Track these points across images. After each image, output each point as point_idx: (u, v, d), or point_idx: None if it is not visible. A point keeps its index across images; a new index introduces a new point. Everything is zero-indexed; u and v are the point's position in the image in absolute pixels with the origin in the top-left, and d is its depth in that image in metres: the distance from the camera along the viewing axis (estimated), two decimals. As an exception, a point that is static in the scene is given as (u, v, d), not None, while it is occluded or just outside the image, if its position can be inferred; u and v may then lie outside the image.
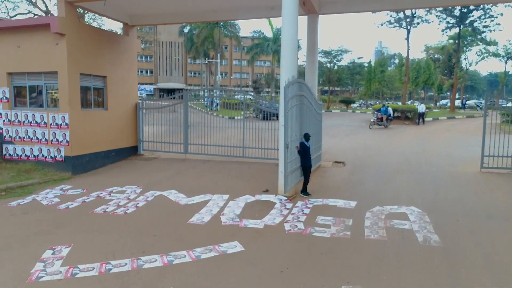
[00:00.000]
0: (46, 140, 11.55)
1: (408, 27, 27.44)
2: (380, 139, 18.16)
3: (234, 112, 18.83)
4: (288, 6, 8.61)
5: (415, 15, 26.93)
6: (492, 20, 28.51)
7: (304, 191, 8.91)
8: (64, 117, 11.19)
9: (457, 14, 28.83)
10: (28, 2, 24.51)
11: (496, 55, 40.98)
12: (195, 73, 77.68)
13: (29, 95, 11.78)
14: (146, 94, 76.10)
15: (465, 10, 28.47)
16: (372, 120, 22.98)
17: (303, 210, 7.81)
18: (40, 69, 11.32)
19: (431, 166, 11.72)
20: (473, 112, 32.55)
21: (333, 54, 66.06)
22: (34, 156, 11.77)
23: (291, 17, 8.67)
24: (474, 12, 28.46)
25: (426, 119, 27.47)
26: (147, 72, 74.19)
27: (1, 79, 11.74)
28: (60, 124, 11.27)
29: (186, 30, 59.79)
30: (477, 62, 56.42)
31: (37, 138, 11.69)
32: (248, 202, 8.46)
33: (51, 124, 11.41)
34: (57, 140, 11.38)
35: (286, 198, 8.57)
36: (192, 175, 11.31)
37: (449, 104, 41.15)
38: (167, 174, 11.31)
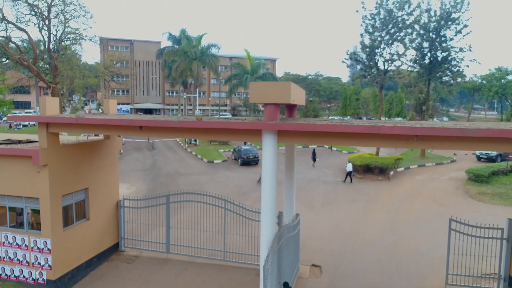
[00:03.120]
0: (27, 262, 11.58)
1: (381, 84, 28.67)
2: (353, 215, 18.90)
3: (213, 153, 18.93)
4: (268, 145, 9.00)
5: (387, 72, 28.15)
6: (459, 72, 30.17)
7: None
8: (46, 242, 11.27)
9: (427, 65, 30.33)
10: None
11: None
12: (172, 92, 77.21)
13: (9, 215, 11.77)
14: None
15: (435, 61, 30.02)
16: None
17: None
18: (21, 194, 11.36)
19: (401, 277, 12.51)
20: (441, 157, 34.15)
21: (309, 81, 67.73)
22: (15, 276, 11.76)
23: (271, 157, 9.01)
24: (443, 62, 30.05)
25: (398, 169, 28.79)
26: (123, 91, 73.13)
27: (-20, 199, 11.68)
28: (42, 249, 11.33)
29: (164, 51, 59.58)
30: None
31: (18, 260, 11.69)
32: None
33: (32, 247, 11.45)
34: (39, 263, 11.43)
35: None
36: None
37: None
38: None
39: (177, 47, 62.50)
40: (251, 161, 31.58)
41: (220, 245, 13.68)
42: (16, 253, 11.70)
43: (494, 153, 31.19)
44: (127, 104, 75.03)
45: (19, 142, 12.25)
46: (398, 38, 27.87)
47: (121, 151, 37.04)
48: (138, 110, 77.21)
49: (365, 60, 28.26)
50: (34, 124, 60.70)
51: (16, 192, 11.40)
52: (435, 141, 7.88)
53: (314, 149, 34.49)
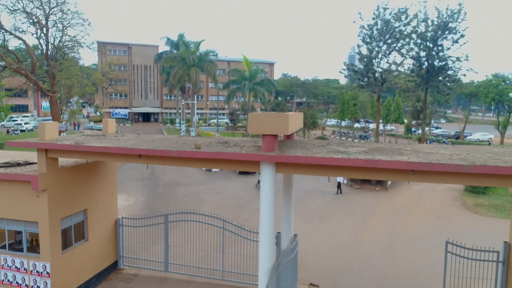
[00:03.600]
0: (26, 285, 11.62)
1: (379, 93, 28.83)
2: (351, 229, 18.99)
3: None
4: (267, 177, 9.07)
5: (385, 82, 28.29)
6: (456, 82, 30.35)
7: None
8: (45, 266, 11.31)
9: (424, 74, 30.51)
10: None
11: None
12: (170, 96, 77.15)
13: (8, 238, 11.79)
14: (121, 118, 75.10)
15: (432, 70, 30.19)
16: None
17: None
18: (20, 218, 11.39)
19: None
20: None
21: (307, 86, 67.91)
22: (14, 299, 11.79)
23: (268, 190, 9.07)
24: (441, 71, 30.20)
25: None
26: (121, 95, 73.02)
27: (-21, 222, 11.71)
28: (41, 272, 11.37)
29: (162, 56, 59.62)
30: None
31: (17, 283, 11.73)
32: None
33: (31, 271, 11.49)
34: (38, 287, 11.47)
35: None
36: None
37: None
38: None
39: (175, 51, 62.69)
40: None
41: (218, 264, 13.74)
42: (15, 276, 11.73)
43: None
44: (125, 108, 75.00)
45: (18, 164, 12.27)
46: (396, 48, 28.00)
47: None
48: (135, 114, 77.25)
49: (362, 71, 28.40)
50: (32, 129, 60.61)
51: (15, 215, 11.43)
52: (432, 175, 7.97)
53: None
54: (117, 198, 15.08)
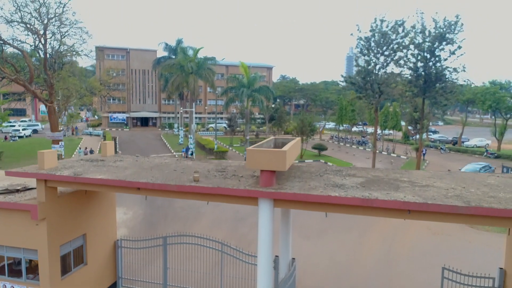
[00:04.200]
0: (25, 312, 11.66)
1: (376, 106, 28.98)
2: (349, 246, 19.08)
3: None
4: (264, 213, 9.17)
5: (382, 93, 28.42)
6: (452, 93, 30.53)
7: None
8: (44, 293, 11.36)
9: (421, 84, 30.68)
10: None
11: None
12: (168, 101, 77.07)
13: (7, 264, 11.84)
14: (119, 123, 75.07)
15: (429, 81, 30.36)
16: None
17: None
18: (20, 245, 11.44)
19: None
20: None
21: (305, 91, 68.11)
22: (13, 325, 11.83)
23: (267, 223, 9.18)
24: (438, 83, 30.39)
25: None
26: (119, 100, 72.92)
27: (-22, 249, 11.76)
28: (40, 300, 11.41)
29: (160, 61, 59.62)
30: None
31: (16, 309, 11.77)
32: None
33: (30, 298, 11.53)
34: (37, 314, 11.51)
35: None
36: None
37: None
38: None
39: (174, 57, 62.69)
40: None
41: (217, 287, 13.82)
42: (14, 303, 11.77)
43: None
44: (123, 112, 74.95)
45: (17, 191, 12.32)
46: (394, 59, 28.11)
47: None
48: (134, 119, 77.22)
49: (360, 83, 28.54)
50: (30, 135, 60.51)
51: (14, 243, 11.48)
52: (427, 214, 8.08)
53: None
54: (116, 218, 15.16)
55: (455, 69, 30.20)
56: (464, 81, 29.92)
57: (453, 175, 11.32)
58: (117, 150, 47.46)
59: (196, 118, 71.54)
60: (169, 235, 14.45)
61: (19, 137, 56.33)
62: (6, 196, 11.74)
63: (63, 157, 38.08)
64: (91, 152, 37.99)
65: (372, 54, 28.08)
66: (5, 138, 54.16)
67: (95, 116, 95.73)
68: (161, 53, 68.45)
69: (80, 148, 39.13)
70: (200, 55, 48.89)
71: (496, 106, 44.33)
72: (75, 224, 12.37)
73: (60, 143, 37.25)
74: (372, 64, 27.79)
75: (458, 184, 9.79)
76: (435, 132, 77.99)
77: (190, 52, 53.19)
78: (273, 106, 54.04)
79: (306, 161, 42.52)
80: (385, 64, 27.67)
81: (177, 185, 9.37)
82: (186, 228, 20.22)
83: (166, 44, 63.36)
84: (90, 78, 56.08)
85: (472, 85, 44.00)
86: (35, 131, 63.27)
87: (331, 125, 78.83)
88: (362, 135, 70.44)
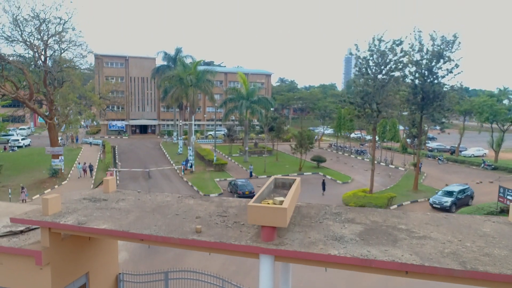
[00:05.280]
0: None
1: (375, 125, 29.25)
2: (347, 276, 19.22)
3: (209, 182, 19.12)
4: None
5: (380, 112, 28.68)
6: (450, 110, 30.84)
7: None
8: (48, 336, 11.51)
9: (419, 102, 30.98)
10: None
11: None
12: (168, 108, 77.18)
13: (11, 306, 11.99)
14: (118, 131, 75.14)
15: (426, 98, 30.65)
16: None
17: None
18: (24, 288, 11.62)
19: None
20: (434, 190, 34.62)
21: (304, 100, 68.45)
22: None
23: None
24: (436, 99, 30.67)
25: (391, 207, 29.28)
26: (118, 107, 72.99)
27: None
28: None
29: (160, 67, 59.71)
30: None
31: None
32: None
33: None
34: None
35: None
36: None
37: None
38: None
39: (173, 66, 62.87)
40: (247, 196, 31.92)
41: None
42: None
43: (448, 201, 27.91)
44: (122, 120, 75.05)
45: (21, 232, 12.47)
46: (392, 78, 28.35)
47: (118, 182, 37.26)
48: (133, 126, 77.32)
49: (359, 103, 28.80)
50: (29, 144, 60.51)
51: (18, 286, 11.64)
52: (424, 275, 8.30)
53: (323, 180, 35.66)
54: (118, 253, 15.33)
55: (452, 87, 30.53)
56: (461, 99, 30.17)
57: (449, 220, 11.53)
58: (117, 161, 47.64)
59: (195, 125, 71.79)
60: (171, 270, 14.66)
61: (18, 147, 56.38)
62: (10, 239, 11.91)
63: (62, 171, 38.26)
64: (90, 167, 38.06)
65: (370, 73, 28.33)
66: (4, 148, 54.21)
67: (94, 123, 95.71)
68: (160, 60, 68.77)
69: (79, 164, 39.18)
70: (198, 58, 49.23)
71: (494, 118, 44.67)
72: (79, 264, 12.54)
73: (60, 157, 37.41)
74: (371, 83, 28.05)
75: (454, 235, 10.01)
76: (432, 138, 78.27)
77: (189, 61, 53.42)
78: (271, 116, 54.14)
79: (305, 173, 42.79)
80: (383, 84, 27.90)
81: (180, 238, 9.57)
82: (187, 253, 20.39)
83: (165, 53, 63.60)
84: (89, 80, 55.98)
85: (470, 101, 44.63)
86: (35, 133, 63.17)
87: (329, 130, 79.00)
88: (360, 142, 70.74)
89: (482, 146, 59.49)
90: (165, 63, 64.50)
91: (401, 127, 56.95)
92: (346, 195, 29.45)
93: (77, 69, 34.39)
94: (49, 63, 33.07)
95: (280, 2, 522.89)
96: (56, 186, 34.66)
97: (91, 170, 37.94)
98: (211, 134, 75.53)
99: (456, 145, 56.86)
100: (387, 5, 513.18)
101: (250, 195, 32.03)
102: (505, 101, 56.38)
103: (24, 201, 28.76)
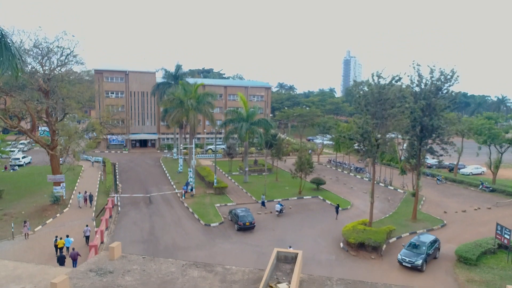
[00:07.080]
0: None
1: (374, 159, 29.64)
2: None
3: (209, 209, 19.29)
4: None
5: (379, 147, 29.07)
6: (448, 143, 31.25)
7: None
8: None
9: (418, 134, 31.35)
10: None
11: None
12: (169, 126, 77.39)
13: None
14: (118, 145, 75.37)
15: (425, 131, 31.02)
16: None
17: None
18: None
19: None
20: (432, 219, 34.93)
21: (303, 117, 68.90)
22: None
23: None
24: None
25: (390, 240, 29.61)
26: (118, 122, 73.18)
27: None
28: None
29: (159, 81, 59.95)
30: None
31: None
32: None
33: None
34: None
35: None
36: None
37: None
38: None
39: (172, 82, 63.21)
40: (247, 228, 32.20)
41: None
42: None
43: (419, 260, 24.71)
44: (123, 134, 75.29)
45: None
46: (391, 114, 28.70)
47: (119, 209, 37.50)
48: (133, 140, 77.60)
49: (359, 139, 29.19)
50: (30, 162, 60.68)
51: None
52: None
53: (338, 205, 37.46)
54: None
55: (450, 120, 30.92)
56: (459, 131, 30.56)
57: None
58: (118, 183, 47.84)
59: (194, 138, 72.10)
60: None
61: (19, 165, 56.53)
62: (19, 318, 12.18)
63: (64, 198, 38.49)
64: (90, 197, 38.23)
65: (370, 108, 28.69)
66: (5, 168, 54.30)
67: (94, 134, 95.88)
68: (161, 75, 69.11)
69: (79, 193, 39.41)
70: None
71: (491, 141, 45.11)
72: (85, 339, 12.82)
73: (61, 184, 37.65)
74: (370, 120, 28.42)
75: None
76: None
77: (190, 77, 53.66)
78: (271, 134, 54.54)
79: (304, 197, 43.12)
80: (382, 120, 28.26)
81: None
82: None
83: (166, 71, 63.96)
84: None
85: (469, 136, 45.23)
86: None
87: (329, 141, 79.20)
88: (359, 159, 70.97)
89: (480, 162, 59.73)
90: (165, 80, 64.84)
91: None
92: (346, 228, 29.70)
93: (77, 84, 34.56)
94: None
95: (279, 5, 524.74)
96: (58, 215, 34.87)
97: (91, 200, 38.16)
98: (211, 149, 75.78)
99: (455, 165, 57.04)
100: (387, 5, 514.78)
101: (251, 226, 32.33)
102: (505, 123, 56.85)
103: (26, 235, 28.99)
